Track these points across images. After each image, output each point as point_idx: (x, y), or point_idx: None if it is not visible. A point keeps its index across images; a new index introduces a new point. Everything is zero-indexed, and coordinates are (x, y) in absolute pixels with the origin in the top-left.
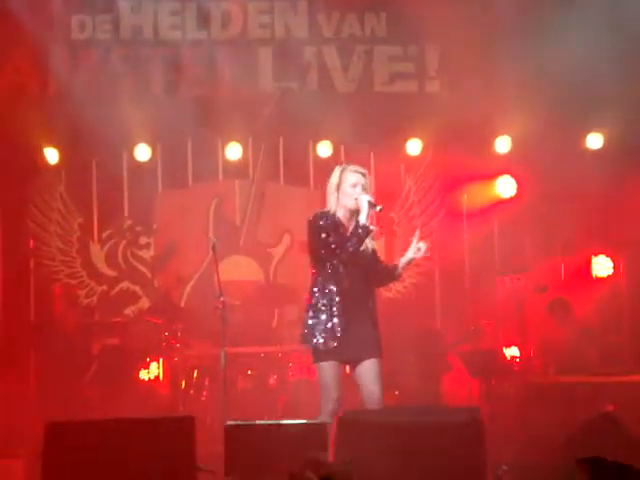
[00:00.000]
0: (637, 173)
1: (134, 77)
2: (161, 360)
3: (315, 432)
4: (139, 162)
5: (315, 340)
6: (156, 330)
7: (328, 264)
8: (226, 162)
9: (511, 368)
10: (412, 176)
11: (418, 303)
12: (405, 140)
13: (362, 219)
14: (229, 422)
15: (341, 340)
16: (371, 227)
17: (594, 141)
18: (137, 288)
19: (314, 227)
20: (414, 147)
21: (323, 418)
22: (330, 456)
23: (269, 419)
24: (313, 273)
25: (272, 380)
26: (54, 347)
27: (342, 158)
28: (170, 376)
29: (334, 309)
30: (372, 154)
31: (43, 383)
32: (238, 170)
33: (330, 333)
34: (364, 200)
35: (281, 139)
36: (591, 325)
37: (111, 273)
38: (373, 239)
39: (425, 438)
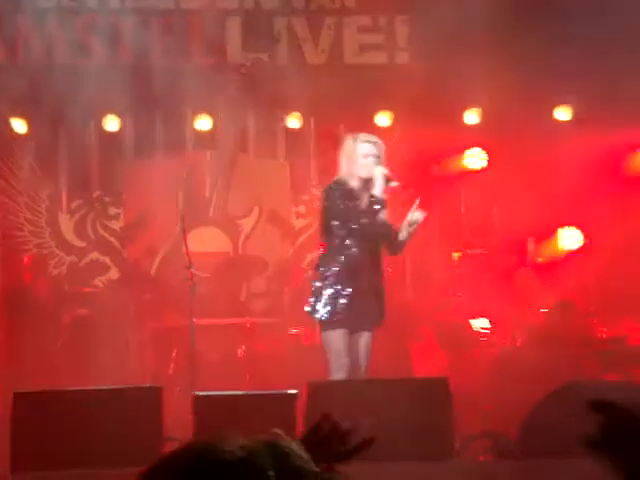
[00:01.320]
0: (605, 145)
1: (101, 46)
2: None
3: (283, 403)
4: (108, 132)
5: (323, 309)
6: (125, 301)
7: (338, 235)
8: (196, 133)
9: (479, 339)
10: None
11: (388, 275)
12: (375, 112)
13: (376, 191)
14: (197, 392)
15: (348, 309)
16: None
17: (562, 114)
18: (106, 259)
19: (330, 197)
20: (384, 119)
21: None
22: (298, 426)
23: (237, 390)
24: (321, 244)
25: (240, 351)
26: (23, 317)
27: (312, 130)
28: (138, 347)
29: (341, 279)
30: (342, 126)
31: (12, 353)
32: (208, 141)
33: (338, 302)
34: (379, 172)
35: (251, 111)
36: (564, 298)
37: (80, 244)
38: (384, 209)
39: (394, 409)
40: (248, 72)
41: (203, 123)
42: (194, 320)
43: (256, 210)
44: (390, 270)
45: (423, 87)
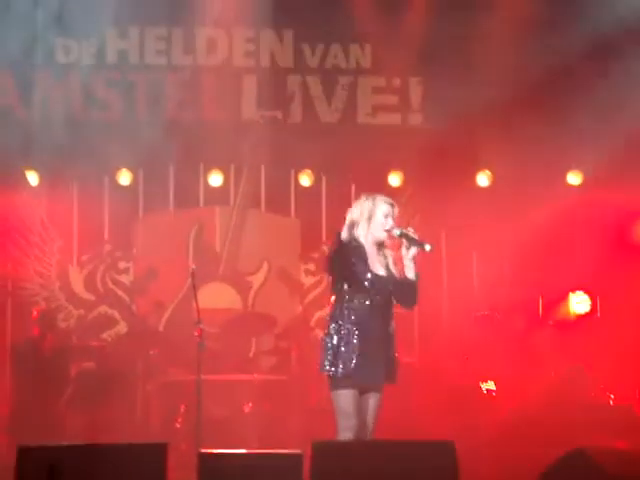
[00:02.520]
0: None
1: (117, 101)
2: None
3: (289, 463)
4: (120, 186)
5: (334, 368)
6: (133, 355)
7: (348, 292)
8: (208, 188)
9: (487, 402)
10: None
11: (398, 338)
12: (387, 172)
13: (410, 274)
14: (203, 450)
15: (360, 369)
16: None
17: (574, 178)
18: (115, 312)
19: (345, 250)
20: (395, 179)
21: None
22: None
23: (244, 448)
24: (333, 299)
25: (247, 408)
26: (31, 370)
27: (323, 188)
28: (145, 402)
29: (354, 337)
30: (353, 186)
31: (19, 405)
32: (219, 197)
33: (351, 362)
34: (412, 247)
35: (263, 167)
36: (574, 362)
37: (89, 297)
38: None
39: (399, 473)
40: (262, 129)
41: (215, 179)
42: (201, 376)
43: (265, 266)
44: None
45: (435, 149)
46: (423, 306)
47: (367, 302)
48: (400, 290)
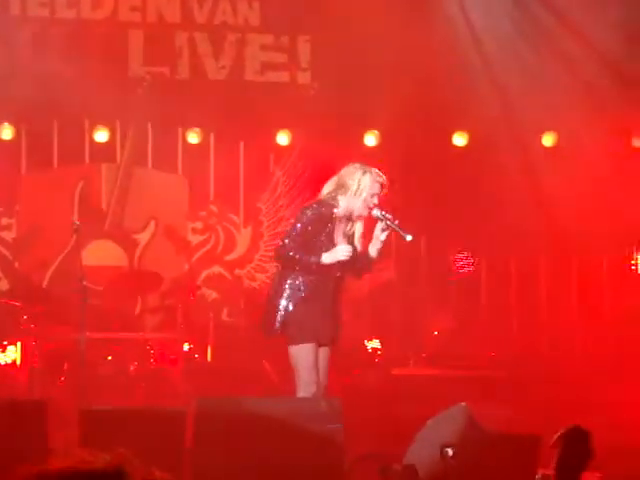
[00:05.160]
0: (496, 171)
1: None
2: (19, 344)
3: (172, 420)
4: (2, 141)
5: (289, 325)
6: (14, 313)
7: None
8: (93, 145)
9: (372, 360)
10: (281, 167)
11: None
12: (275, 130)
13: (373, 252)
14: (84, 407)
15: (315, 323)
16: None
17: (459, 139)
18: None
19: (311, 214)
20: (284, 138)
21: None
22: (188, 442)
23: (129, 405)
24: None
25: (133, 367)
26: None
27: (211, 146)
28: (27, 360)
29: (306, 294)
30: (242, 143)
31: None
32: (105, 154)
33: (304, 317)
34: (381, 236)
35: (150, 124)
36: (454, 321)
37: None
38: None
39: (282, 429)
40: (149, 85)
41: (101, 135)
42: (85, 333)
43: (152, 224)
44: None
45: (324, 107)
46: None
47: (317, 274)
48: (357, 263)
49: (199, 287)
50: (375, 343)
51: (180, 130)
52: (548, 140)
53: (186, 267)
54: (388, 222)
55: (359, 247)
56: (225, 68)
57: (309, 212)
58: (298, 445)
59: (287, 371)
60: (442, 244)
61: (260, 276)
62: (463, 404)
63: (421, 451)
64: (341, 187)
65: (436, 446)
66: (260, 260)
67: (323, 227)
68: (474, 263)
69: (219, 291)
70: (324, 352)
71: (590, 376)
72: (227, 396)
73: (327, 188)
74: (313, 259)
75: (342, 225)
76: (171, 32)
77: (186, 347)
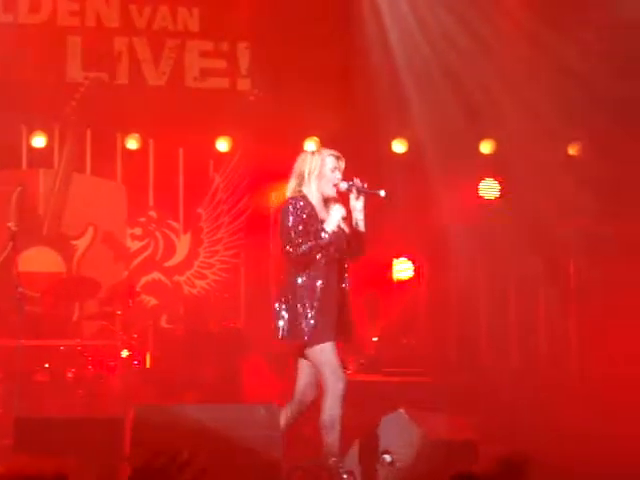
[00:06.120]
0: (437, 177)
1: None
2: None
3: (110, 427)
4: None
5: (307, 327)
6: None
7: (305, 252)
8: (31, 150)
9: None
10: (221, 173)
11: (223, 300)
12: (215, 137)
13: (360, 225)
14: (19, 415)
15: (332, 321)
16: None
17: (399, 146)
18: None
19: (296, 212)
20: (223, 144)
21: (335, 401)
22: (125, 449)
23: (66, 414)
24: (286, 263)
25: (70, 374)
26: None
27: (150, 152)
28: None
29: (315, 299)
30: (181, 149)
31: None
32: (43, 159)
33: (321, 318)
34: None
35: (89, 130)
36: (390, 326)
37: None
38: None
39: (223, 436)
40: (87, 91)
41: (39, 140)
42: (22, 341)
43: (91, 231)
44: (227, 296)
45: (264, 114)
46: (250, 269)
47: (323, 261)
48: (352, 243)
49: (138, 293)
50: None
51: (119, 136)
52: (486, 147)
53: (125, 273)
54: (357, 188)
55: (346, 229)
56: (165, 74)
57: (290, 207)
58: (236, 452)
59: (227, 377)
60: (380, 250)
61: (200, 282)
62: (401, 410)
63: (360, 457)
64: (300, 177)
65: (375, 452)
66: (200, 266)
67: (310, 215)
68: (415, 269)
69: (158, 297)
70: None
71: (525, 381)
72: (166, 403)
73: (290, 186)
74: (322, 238)
75: (323, 213)
76: (110, 37)
77: (125, 354)
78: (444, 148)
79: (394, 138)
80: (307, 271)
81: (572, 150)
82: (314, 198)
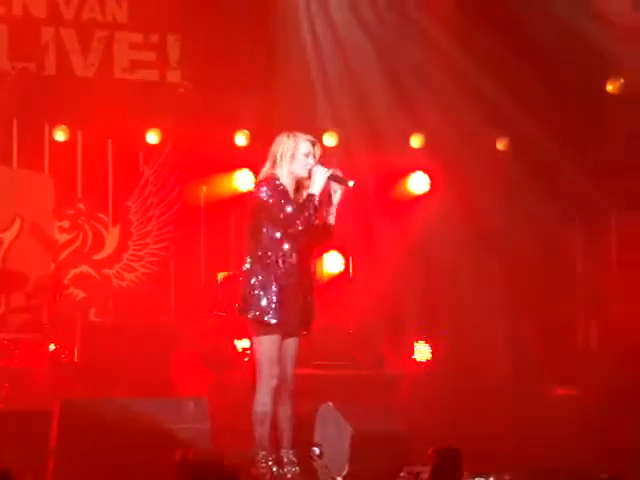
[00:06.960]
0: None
1: None
2: None
3: (37, 420)
4: None
5: (257, 312)
6: None
7: (270, 234)
8: None
9: (242, 360)
10: (150, 165)
11: (152, 294)
12: (144, 129)
13: (314, 190)
14: None
15: (283, 313)
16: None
17: (329, 140)
18: None
19: (271, 191)
20: (153, 136)
21: (264, 398)
22: (52, 443)
23: None
24: (251, 242)
25: None
26: None
27: (79, 144)
28: None
29: (277, 281)
30: (110, 141)
31: None
32: None
33: (273, 306)
34: (322, 174)
35: (15, 121)
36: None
37: None
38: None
39: (151, 429)
40: (14, 81)
41: None
42: None
43: (17, 223)
44: (155, 289)
45: (194, 106)
46: (179, 263)
47: (292, 250)
48: (320, 233)
49: (66, 286)
50: (245, 343)
51: (47, 127)
52: (416, 142)
53: (52, 266)
54: (329, 174)
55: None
56: (94, 65)
57: (265, 187)
58: (165, 445)
59: (156, 371)
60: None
61: (129, 275)
62: (330, 404)
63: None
64: (273, 159)
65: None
66: (129, 259)
67: (283, 192)
68: (345, 262)
69: (87, 291)
70: (294, 344)
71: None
72: (93, 397)
73: (264, 168)
74: (311, 201)
75: (298, 196)
76: (37, 27)
77: (52, 347)
78: (374, 142)
79: (325, 132)
80: (267, 258)
81: (500, 145)
82: (286, 180)
